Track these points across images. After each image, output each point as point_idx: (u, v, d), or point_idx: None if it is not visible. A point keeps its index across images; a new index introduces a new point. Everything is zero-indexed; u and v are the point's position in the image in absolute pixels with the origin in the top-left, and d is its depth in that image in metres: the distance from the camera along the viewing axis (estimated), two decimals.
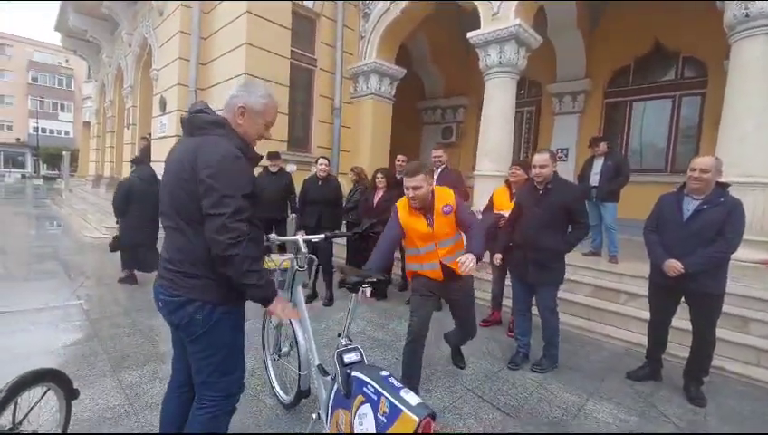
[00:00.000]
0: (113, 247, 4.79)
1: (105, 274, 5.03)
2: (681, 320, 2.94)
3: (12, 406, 1.47)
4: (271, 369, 2.50)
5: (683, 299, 2.79)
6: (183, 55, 7.42)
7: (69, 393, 1.73)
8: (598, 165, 4.80)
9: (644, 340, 3.10)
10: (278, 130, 6.85)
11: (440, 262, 2.36)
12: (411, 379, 2.35)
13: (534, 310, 3.13)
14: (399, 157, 4.81)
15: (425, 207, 2.30)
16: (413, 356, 2.36)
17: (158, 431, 1.70)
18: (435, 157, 4.42)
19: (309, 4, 7.52)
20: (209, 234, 1.31)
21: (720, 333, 2.87)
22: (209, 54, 7.44)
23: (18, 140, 39.19)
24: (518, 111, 7.64)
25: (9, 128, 39.38)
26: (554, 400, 2.64)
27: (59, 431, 1.74)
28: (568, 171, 7.83)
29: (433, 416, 1.22)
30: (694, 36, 6.98)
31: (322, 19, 7.83)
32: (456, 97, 10.66)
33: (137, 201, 4.56)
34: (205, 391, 1.49)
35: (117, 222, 4.80)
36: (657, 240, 2.76)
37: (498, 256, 3.29)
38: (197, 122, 1.44)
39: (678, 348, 3.18)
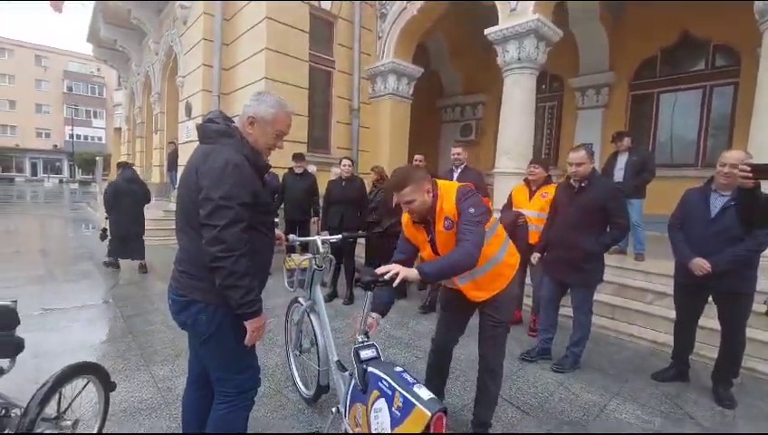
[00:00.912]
0: (102, 237, 5.55)
1: (137, 273, 5.30)
2: (710, 319, 2.85)
3: (57, 396, 1.60)
4: (293, 365, 2.59)
5: (710, 298, 2.70)
6: (206, 62, 7.67)
7: (107, 385, 1.86)
8: (622, 160, 4.69)
9: (671, 340, 3.01)
10: (298, 132, 6.99)
11: (456, 282, 1.95)
12: (434, 382, 2.26)
13: (563, 310, 3.09)
14: (417, 156, 4.81)
15: (427, 220, 1.90)
16: (435, 363, 2.29)
17: (180, 423, 1.80)
18: (454, 155, 4.34)
19: (326, 5, 7.63)
20: (203, 242, 1.34)
21: (751, 332, 2.77)
22: (232, 60, 7.67)
23: (55, 146, 41.43)
24: (539, 106, 7.50)
25: (47, 135, 41.61)
26: (575, 400, 2.62)
27: (99, 420, 1.87)
28: None
29: (445, 411, 1.26)
30: (725, 23, 6.66)
31: (340, 21, 7.94)
32: (476, 94, 10.54)
33: (122, 198, 5.24)
34: (220, 387, 1.56)
35: (106, 217, 5.46)
36: (682, 238, 2.68)
37: (537, 256, 3.24)
38: (207, 132, 1.51)
39: (707, 348, 3.08)
